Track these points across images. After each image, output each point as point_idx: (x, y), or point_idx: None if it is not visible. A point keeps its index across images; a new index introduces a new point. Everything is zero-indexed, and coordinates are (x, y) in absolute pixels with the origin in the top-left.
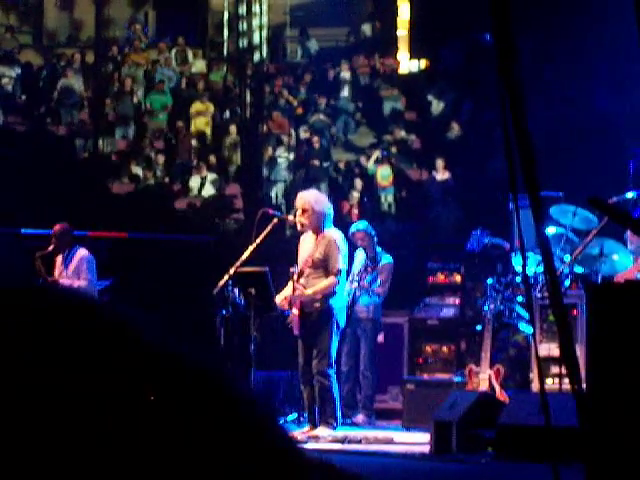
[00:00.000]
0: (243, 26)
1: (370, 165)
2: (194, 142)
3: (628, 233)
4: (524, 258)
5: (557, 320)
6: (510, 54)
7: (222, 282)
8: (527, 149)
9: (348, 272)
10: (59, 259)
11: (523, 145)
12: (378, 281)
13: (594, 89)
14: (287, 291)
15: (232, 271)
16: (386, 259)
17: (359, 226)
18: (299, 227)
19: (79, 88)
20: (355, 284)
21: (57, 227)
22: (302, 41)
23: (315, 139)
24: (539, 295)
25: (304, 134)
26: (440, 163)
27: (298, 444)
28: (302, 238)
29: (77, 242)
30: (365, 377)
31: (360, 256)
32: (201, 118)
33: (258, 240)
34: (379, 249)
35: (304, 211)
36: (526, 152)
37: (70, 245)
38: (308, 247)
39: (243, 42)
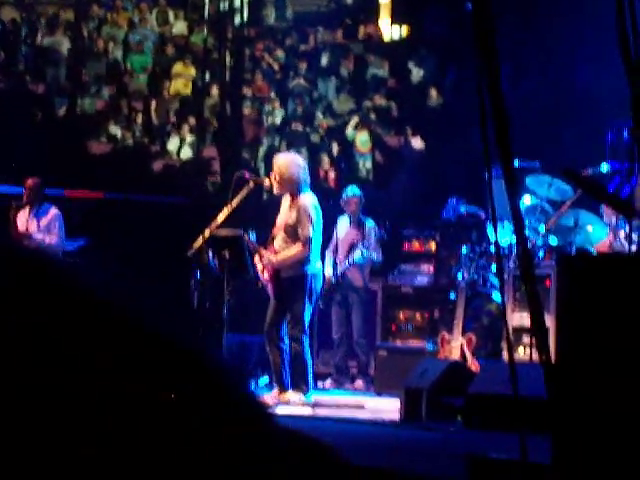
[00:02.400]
0: None
1: (349, 131)
2: (174, 104)
3: (603, 206)
4: (495, 228)
5: (527, 289)
6: (488, 21)
7: (197, 245)
8: (501, 120)
9: (329, 240)
10: (25, 212)
11: (497, 115)
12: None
13: (575, 58)
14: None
15: (207, 234)
16: (369, 222)
17: (355, 191)
18: (274, 190)
19: (63, 46)
20: (358, 252)
21: (31, 181)
22: (278, 5)
23: (298, 103)
24: (512, 265)
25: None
26: (409, 130)
27: (269, 411)
28: (282, 201)
29: (48, 199)
30: (359, 344)
31: (344, 222)
32: (181, 80)
33: (234, 203)
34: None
35: (276, 174)
36: (500, 123)
37: (41, 200)
38: (284, 211)
39: (224, 5)
